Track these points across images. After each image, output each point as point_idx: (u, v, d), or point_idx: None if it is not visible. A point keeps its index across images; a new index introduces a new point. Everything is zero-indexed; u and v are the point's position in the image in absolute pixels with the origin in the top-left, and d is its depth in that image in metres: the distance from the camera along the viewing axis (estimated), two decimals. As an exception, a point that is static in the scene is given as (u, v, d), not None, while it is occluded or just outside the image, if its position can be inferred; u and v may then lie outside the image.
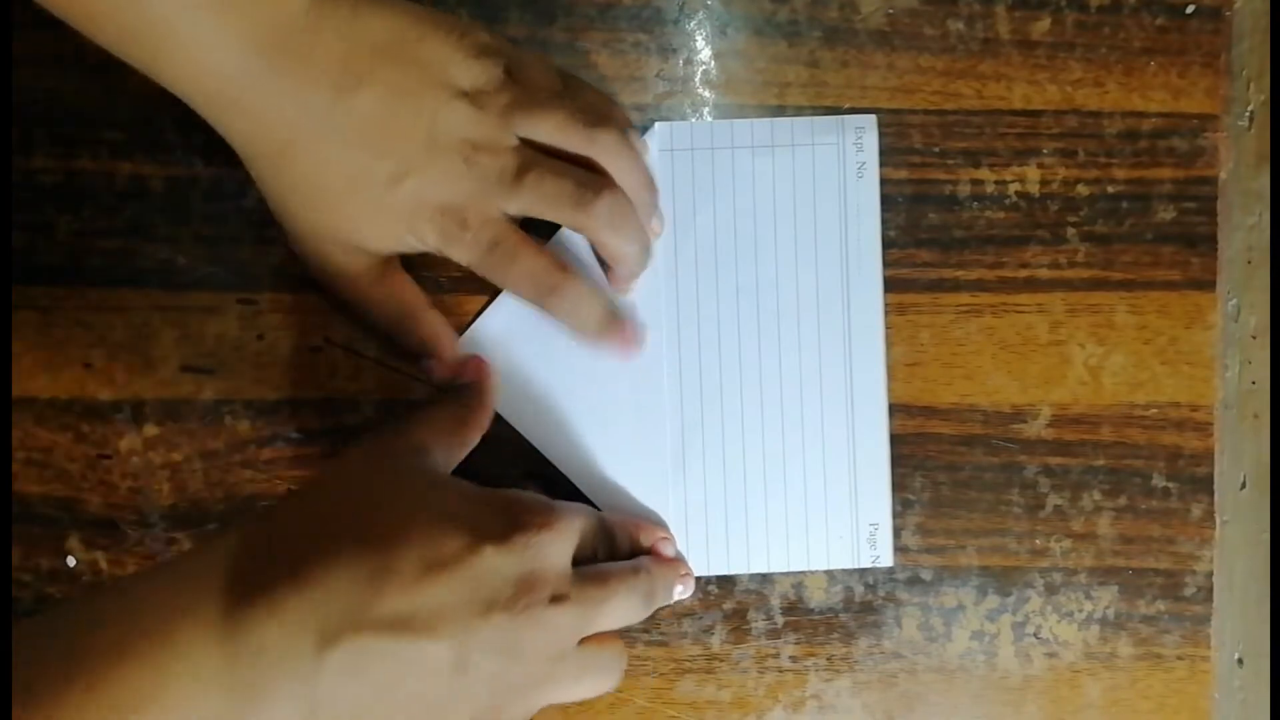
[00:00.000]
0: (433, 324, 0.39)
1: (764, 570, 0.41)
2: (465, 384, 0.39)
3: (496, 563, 0.31)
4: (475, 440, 0.37)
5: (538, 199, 0.35)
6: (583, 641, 0.34)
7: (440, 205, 0.35)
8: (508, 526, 0.32)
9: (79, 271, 0.39)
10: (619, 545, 0.38)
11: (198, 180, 0.39)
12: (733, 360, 0.40)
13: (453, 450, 0.36)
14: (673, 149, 0.40)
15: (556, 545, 0.33)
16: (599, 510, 0.39)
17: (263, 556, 0.30)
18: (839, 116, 0.40)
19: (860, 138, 0.40)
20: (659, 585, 0.38)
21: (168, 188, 0.39)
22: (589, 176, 0.36)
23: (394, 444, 0.35)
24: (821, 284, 0.40)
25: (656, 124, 0.40)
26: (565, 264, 0.37)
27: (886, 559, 0.41)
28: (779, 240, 0.40)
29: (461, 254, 0.36)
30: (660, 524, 0.40)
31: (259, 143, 0.34)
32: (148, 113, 0.39)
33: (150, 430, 0.40)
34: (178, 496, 0.40)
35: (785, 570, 0.41)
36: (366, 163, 0.34)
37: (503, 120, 0.35)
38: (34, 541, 0.39)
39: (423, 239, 0.35)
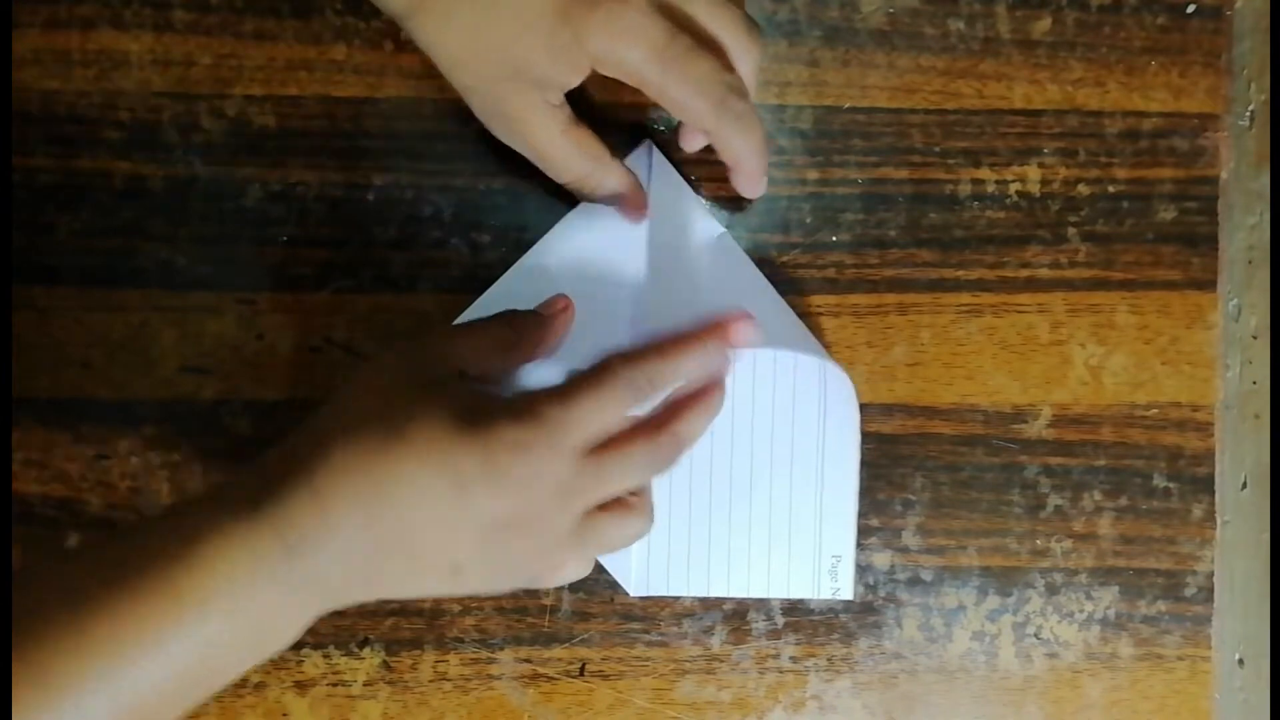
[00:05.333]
0: (623, 172, 0.38)
1: (722, 594, 0.40)
2: (523, 311, 0.37)
3: (483, 505, 0.31)
4: (519, 363, 0.36)
5: None
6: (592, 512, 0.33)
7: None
8: (486, 465, 0.31)
9: (78, 271, 0.39)
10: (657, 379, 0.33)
11: (197, 180, 0.39)
12: None
13: (490, 370, 0.35)
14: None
15: (543, 467, 0.31)
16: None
17: (289, 456, 0.31)
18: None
19: None
20: (667, 449, 0.33)
21: (167, 188, 0.39)
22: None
23: (425, 352, 0.34)
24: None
25: (648, 142, 0.40)
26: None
27: (847, 592, 0.40)
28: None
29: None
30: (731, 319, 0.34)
31: None
32: (147, 113, 0.39)
33: (149, 430, 0.40)
34: (177, 496, 0.40)
35: (744, 596, 0.40)
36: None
37: None
38: (34, 541, 0.39)
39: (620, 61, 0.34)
